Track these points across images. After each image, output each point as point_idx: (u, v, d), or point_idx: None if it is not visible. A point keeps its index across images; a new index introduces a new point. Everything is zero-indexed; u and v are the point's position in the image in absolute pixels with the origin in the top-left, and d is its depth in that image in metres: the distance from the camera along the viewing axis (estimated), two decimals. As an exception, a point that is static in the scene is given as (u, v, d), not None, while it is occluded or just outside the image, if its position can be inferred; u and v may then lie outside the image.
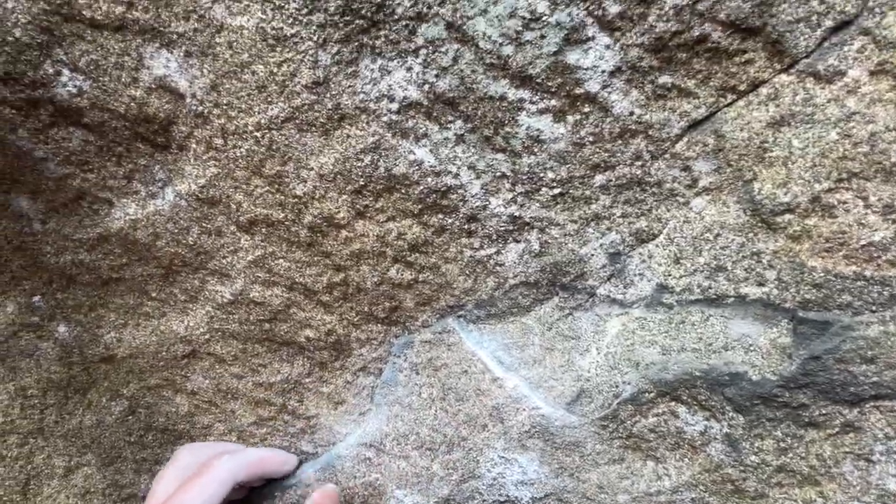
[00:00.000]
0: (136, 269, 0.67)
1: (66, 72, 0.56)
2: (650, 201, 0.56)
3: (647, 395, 0.59)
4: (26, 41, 0.55)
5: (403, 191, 0.58)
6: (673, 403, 0.59)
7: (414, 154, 0.57)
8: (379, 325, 0.67)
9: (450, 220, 0.60)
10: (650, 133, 0.53)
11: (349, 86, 0.55)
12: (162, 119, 0.58)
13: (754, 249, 0.53)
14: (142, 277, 0.68)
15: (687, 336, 0.57)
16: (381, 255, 0.62)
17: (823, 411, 0.55)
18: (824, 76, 0.48)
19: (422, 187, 0.58)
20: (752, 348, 0.55)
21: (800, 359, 0.54)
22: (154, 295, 0.69)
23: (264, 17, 0.52)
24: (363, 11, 0.51)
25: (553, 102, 0.53)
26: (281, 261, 0.64)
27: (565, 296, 0.61)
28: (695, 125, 0.52)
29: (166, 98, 0.57)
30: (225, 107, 0.56)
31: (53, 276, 0.69)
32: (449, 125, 0.55)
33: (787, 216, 0.51)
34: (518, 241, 0.60)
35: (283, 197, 0.60)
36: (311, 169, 0.58)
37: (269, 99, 0.55)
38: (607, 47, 0.50)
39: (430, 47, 0.52)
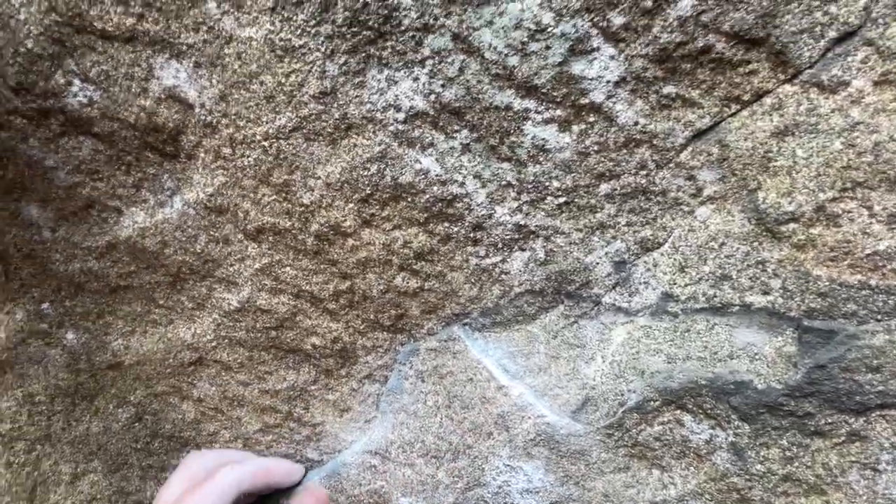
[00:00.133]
0: (143, 276, 0.68)
1: (77, 82, 0.57)
2: (655, 210, 0.56)
3: (652, 403, 0.59)
4: (38, 52, 0.56)
5: (409, 199, 0.59)
6: (678, 412, 0.59)
7: (420, 163, 0.57)
8: (385, 332, 0.67)
9: (455, 229, 0.60)
10: (655, 143, 0.53)
11: (356, 96, 0.55)
12: (171, 129, 0.58)
13: (759, 258, 0.53)
14: (149, 285, 0.69)
15: (692, 344, 0.57)
16: (387, 263, 0.63)
17: (829, 420, 0.55)
18: (828, 86, 0.48)
19: (428, 196, 0.58)
20: (757, 357, 0.55)
21: (805, 367, 0.54)
22: (161, 302, 0.70)
23: (273, 28, 0.53)
24: (370, 23, 0.52)
25: (558, 112, 0.54)
26: (288, 269, 0.64)
27: (570, 304, 0.61)
28: (699, 135, 0.52)
29: (175, 108, 0.57)
30: (233, 116, 0.57)
31: (62, 284, 0.70)
32: (455, 134, 0.56)
33: (792, 225, 0.51)
34: (523, 250, 0.60)
35: (290, 205, 0.61)
36: (318, 178, 0.59)
37: (277, 109, 0.56)
38: (612, 58, 0.50)
39: (437, 58, 0.53)
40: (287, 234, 0.62)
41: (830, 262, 0.51)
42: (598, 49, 0.50)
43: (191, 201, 0.62)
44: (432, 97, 0.54)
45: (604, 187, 0.56)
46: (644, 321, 0.59)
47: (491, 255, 0.61)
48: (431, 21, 0.51)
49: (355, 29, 0.52)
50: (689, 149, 0.53)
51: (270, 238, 0.63)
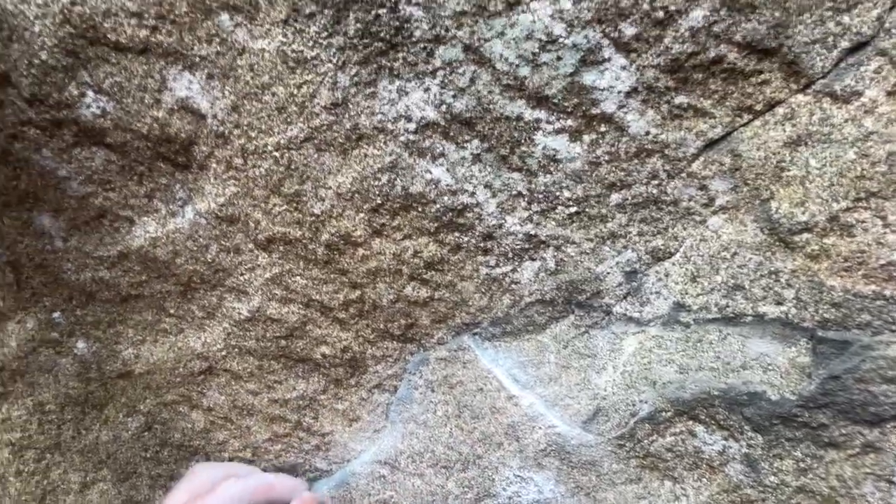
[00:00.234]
0: (154, 286, 0.68)
1: (90, 93, 0.58)
2: (666, 220, 0.56)
3: (664, 414, 0.59)
4: (52, 64, 0.57)
5: (420, 209, 0.59)
6: (691, 423, 0.59)
7: (431, 173, 0.57)
8: (394, 342, 0.67)
9: (466, 239, 0.60)
10: (666, 152, 0.53)
11: (367, 106, 0.55)
12: (183, 139, 0.59)
13: (772, 268, 0.53)
14: (160, 294, 0.69)
15: (704, 355, 0.57)
16: (397, 272, 0.63)
17: (843, 431, 0.54)
18: (841, 96, 0.48)
19: (438, 206, 0.59)
20: (770, 367, 0.55)
21: (819, 378, 0.53)
22: (172, 311, 0.70)
23: (285, 40, 0.53)
24: (382, 34, 0.52)
25: (569, 122, 0.54)
26: (298, 278, 0.65)
27: (581, 314, 0.61)
28: (711, 145, 0.52)
29: (188, 119, 0.58)
30: (245, 127, 0.57)
31: (73, 293, 0.70)
32: (465, 145, 0.56)
33: (805, 235, 0.51)
34: (534, 260, 0.60)
35: (300, 215, 0.61)
36: (329, 188, 0.59)
37: (289, 119, 0.56)
38: (623, 68, 0.50)
39: (448, 69, 0.53)
40: (297, 244, 0.63)
41: (844, 272, 0.51)
42: (609, 59, 0.50)
43: (202, 211, 0.62)
44: (443, 108, 0.55)
45: (615, 197, 0.56)
46: (656, 331, 0.58)
47: (501, 264, 0.61)
48: (443, 32, 0.52)
49: (367, 40, 0.53)
50: (701, 158, 0.53)
51: (281, 248, 0.63)
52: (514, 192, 0.57)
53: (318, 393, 0.72)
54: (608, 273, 0.58)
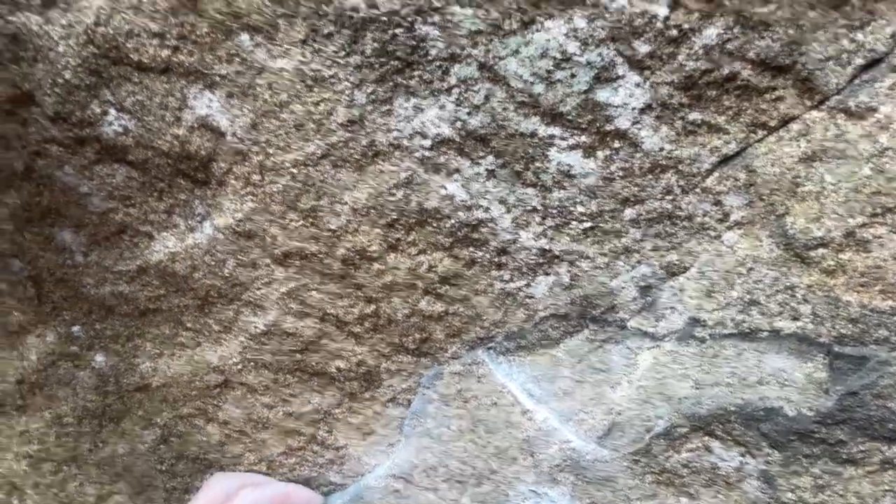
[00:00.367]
0: (172, 300, 0.69)
1: (112, 111, 0.59)
2: (681, 235, 0.56)
3: (680, 429, 0.59)
4: (75, 83, 0.58)
5: (435, 224, 0.60)
6: (707, 438, 0.58)
7: (445, 189, 0.58)
8: (409, 356, 0.67)
9: (480, 253, 0.60)
10: (680, 168, 0.54)
11: (383, 123, 0.56)
12: (203, 156, 0.60)
13: (788, 283, 0.53)
14: (178, 308, 0.70)
15: (720, 370, 0.57)
16: (412, 287, 0.63)
17: (862, 448, 0.54)
18: (855, 112, 0.48)
19: (453, 221, 0.59)
20: (787, 383, 0.55)
21: (837, 394, 0.53)
22: (189, 325, 0.71)
23: (304, 59, 0.54)
24: (398, 53, 0.53)
25: (583, 139, 0.54)
26: (314, 292, 0.65)
27: (595, 328, 0.61)
28: (725, 160, 0.52)
29: (207, 136, 0.59)
30: (263, 144, 0.58)
31: (93, 307, 0.71)
32: (480, 161, 0.57)
33: (821, 250, 0.51)
34: (548, 274, 0.60)
35: (317, 230, 0.62)
36: (345, 203, 0.60)
37: (306, 136, 0.57)
38: (637, 85, 0.51)
39: (463, 86, 0.54)
40: (314, 259, 0.63)
41: (861, 287, 0.51)
42: (623, 77, 0.51)
43: (220, 226, 0.63)
44: (458, 124, 0.55)
45: (629, 212, 0.56)
46: (671, 346, 0.58)
47: (515, 279, 0.61)
48: (458, 51, 0.52)
49: (383, 59, 0.53)
50: (716, 174, 0.53)
51: (297, 262, 0.64)
52: (529, 208, 0.58)
53: (333, 407, 0.72)
54: (623, 288, 0.59)
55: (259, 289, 0.67)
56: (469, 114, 0.55)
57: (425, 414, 0.69)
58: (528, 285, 0.61)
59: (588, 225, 0.57)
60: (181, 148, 0.59)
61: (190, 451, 0.78)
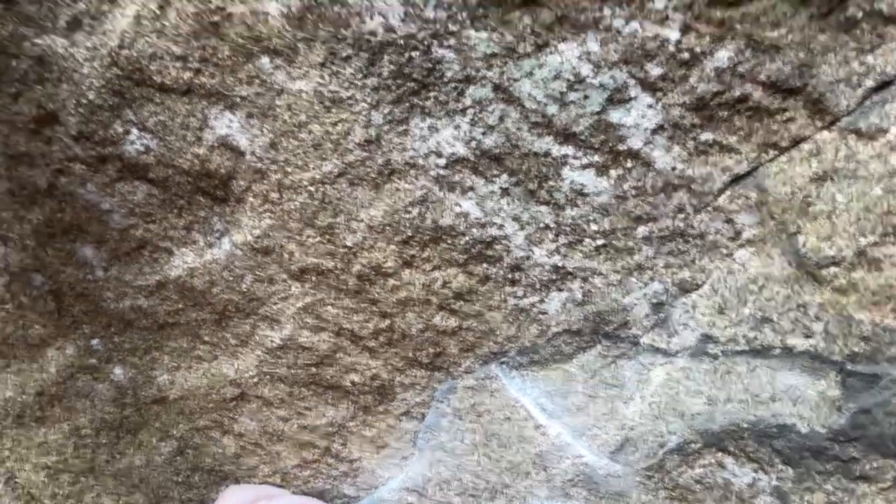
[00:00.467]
0: (190, 314, 0.70)
1: (134, 131, 0.60)
2: (693, 252, 0.57)
3: (693, 445, 0.59)
4: (99, 103, 0.60)
5: (449, 241, 0.60)
6: (720, 454, 0.59)
7: (460, 206, 0.59)
8: (423, 370, 0.68)
9: (494, 270, 0.61)
10: (692, 187, 0.54)
11: (399, 143, 0.57)
12: (222, 174, 0.61)
13: (800, 301, 0.54)
14: (196, 322, 0.71)
15: (733, 386, 0.57)
16: (426, 302, 0.64)
17: (875, 465, 0.54)
18: (866, 133, 0.49)
19: (467, 238, 0.60)
20: (800, 400, 0.55)
21: (849, 412, 0.53)
22: (206, 339, 0.72)
23: (322, 81, 0.55)
24: (415, 75, 0.54)
25: (596, 158, 0.55)
26: (329, 307, 0.66)
27: (608, 344, 0.62)
28: (737, 179, 0.53)
29: (227, 155, 0.60)
30: (282, 163, 0.59)
31: (112, 321, 0.73)
32: (494, 179, 0.58)
33: (833, 269, 0.52)
34: (561, 290, 0.61)
35: (333, 247, 0.63)
36: (361, 220, 0.61)
37: (324, 156, 0.58)
38: (649, 106, 0.52)
39: (478, 107, 0.55)
40: (330, 275, 0.64)
41: (873, 306, 0.51)
42: (635, 98, 0.52)
43: (238, 242, 0.65)
44: (473, 144, 0.56)
45: (641, 230, 0.57)
46: (683, 362, 0.59)
47: (529, 295, 0.62)
48: (473, 73, 0.54)
49: (400, 81, 0.55)
50: (728, 193, 0.54)
51: (314, 278, 0.65)
52: (542, 225, 0.59)
53: (347, 420, 0.73)
54: (635, 304, 0.59)
55: (275, 303, 0.68)
56: (484, 133, 0.56)
57: (439, 427, 0.70)
58: (541, 301, 0.62)
59: (601, 242, 0.58)
60: (201, 166, 0.61)
61: (205, 462, 0.79)
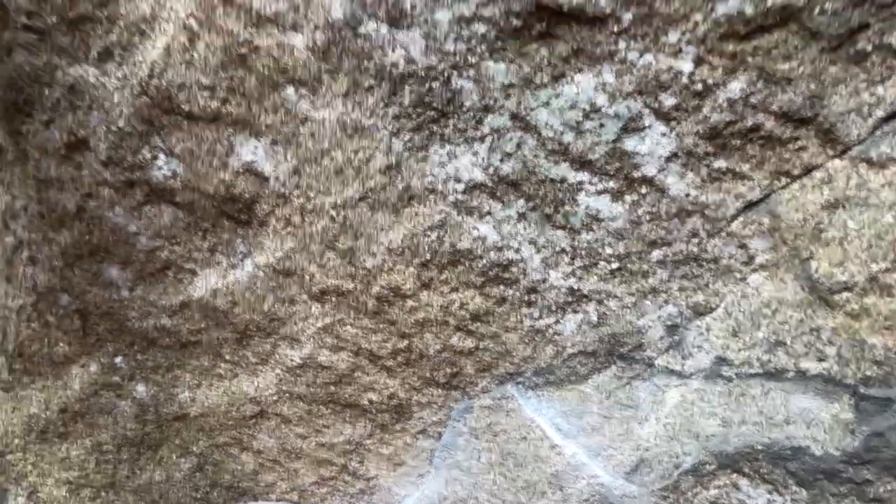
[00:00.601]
0: (212, 333, 0.72)
1: (162, 156, 0.62)
2: (707, 276, 0.58)
3: (707, 466, 0.60)
4: (128, 130, 0.62)
5: (467, 264, 0.62)
6: (734, 476, 0.59)
7: (478, 230, 0.60)
8: (439, 389, 0.69)
9: (510, 292, 0.63)
10: (706, 213, 0.56)
11: (419, 169, 0.59)
12: (247, 199, 0.63)
13: (813, 325, 0.55)
14: (217, 341, 0.73)
15: (747, 409, 0.58)
16: (444, 323, 0.65)
17: (889, 487, 0.55)
18: (877, 162, 0.50)
19: (484, 261, 0.61)
20: (814, 423, 0.56)
21: (863, 434, 0.54)
22: (228, 357, 0.73)
23: (345, 110, 0.57)
24: (435, 104, 0.56)
25: (611, 184, 0.56)
26: (349, 328, 0.68)
27: (623, 365, 0.63)
28: (750, 206, 0.54)
29: (252, 180, 0.62)
30: (305, 188, 0.61)
31: (136, 339, 0.74)
32: (511, 204, 0.59)
33: (845, 294, 0.53)
34: (576, 312, 0.62)
35: (353, 269, 0.64)
36: (381, 244, 0.62)
37: (346, 181, 0.60)
38: (663, 135, 0.53)
39: (496, 135, 0.56)
40: (350, 296, 0.66)
41: (885, 330, 0.52)
42: (650, 127, 0.53)
43: (261, 264, 0.66)
44: (490, 170, 0.58)
45: (656, 254, 0.58)
46: (698, 384, 0.60)
47: (544, 316, 0.63)
48: (491, 102, 0.55)
49: (420, 109, 0.56)
50: (741, 219, 0.55)
51: (334, 299, 0.67)
52: (558, 249, 0.60)
53: (365, 437, 0.74)
54: (650, 327, 0.60)
55: (296, 323, 0.69)
56: (501, 160, 0.57)
57: (455, 446, 0.71)
58: (556, 323, 0.63)
59: (616, 266, 0.59)
60: (226, 191, 0.63)
61: (224, 479, 0.80)
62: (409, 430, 0.72)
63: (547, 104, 0.54)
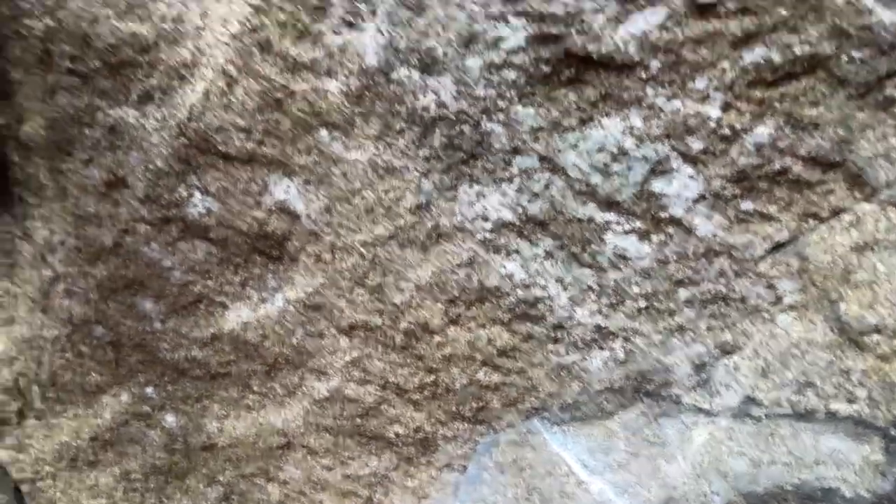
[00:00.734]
0: (242, 365, 0.73)
1: (197, 194, 0.64)
2: (735, 316, 0.58)
3: (737, 506, 0.60)
4: (165, 169, 0.64)
5: (494, 301, 0.63)
6: (764, 517, 0.59)
7: (505, 268, 0.61)
8: (465, 423, 0.70)
9: (537, 328, 0.63)
10: (734, 253, 0.56)
11: (448, 208, 0.60)
12: (279, 236, 0.64)
13: (843, 367, 0.55)
14: (246, 373, 0.74)
15: (777, 449, 0.58)
16: (470, 358, 0.66)
17: (923, 530, 0.54)
18: (906, 206, 0.50)
19: (512, 298, 0.62)
20: (844, 464, 0.56)
21: (893, 477, 0.54)
22: (256, 389, 0.75)
23: (376, 151, 0.58)
24: (464, 146, 0.57)
25: (638, 224, 0.57)
26: (376, 362, 0.69)
27: (650, 402, 0.63)
28: (778, 247, 0.55)
29: (284, 218, 0.63)
30: (335, 226, 0.62)
31: (166, 370, 0.76)
32: (539, 243, 0.60)
33: (876, 336, 0.53)
34: (603, 349, 0.63)
35: (382, 305, 0.65)
36: (410, 280, 0.63)
37: (375, 220, 0.61)
38: (691, 177, 0.54)
39: (524, 176, 0.57)
40: (377, 331, 0.67)
41: (917, 373, 0.52)
42: (677, 170, 0.54)
43: (291, 299, 0.67)
44: (519, 209, 0.59)
45: (683, 293, 0.59)
46: (726, 423, 0.60)
47: (571, 353, 0.64)
48: (520, 144, 0.56)
49: (450, 151, 0.58)
50: (769, 260, 0.55)
51: (362, 333, 0.68)
52: (584, 287, 0.61)
53: (390, 470, 0.75)
54: (677, 364, 0.61)
55: (324, 357, 0.70)
56: (529, 200, 0.58)
57: (481, 480, 0.71)
58: (583, 359, 0.63)
59: (643, 304, 0.60)
60: (259, 228, 0.64)
61: (250, 509, 0.81)
62: (435, 463, 0.73)
63: (575, 146, 0.55)
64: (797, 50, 0.48)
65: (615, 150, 0.54)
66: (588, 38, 0.50)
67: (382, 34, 0.54)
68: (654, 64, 0.51)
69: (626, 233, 0.57)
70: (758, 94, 0.50)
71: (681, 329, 0.60)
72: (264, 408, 0.75)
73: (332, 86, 0.57)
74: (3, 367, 0.79)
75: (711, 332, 0.59)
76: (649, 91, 0.52)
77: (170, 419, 0.79)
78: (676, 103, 0.52)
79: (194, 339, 0.73)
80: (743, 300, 0.57)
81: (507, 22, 0.51)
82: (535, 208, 0.58)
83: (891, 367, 0.53)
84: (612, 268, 0.59)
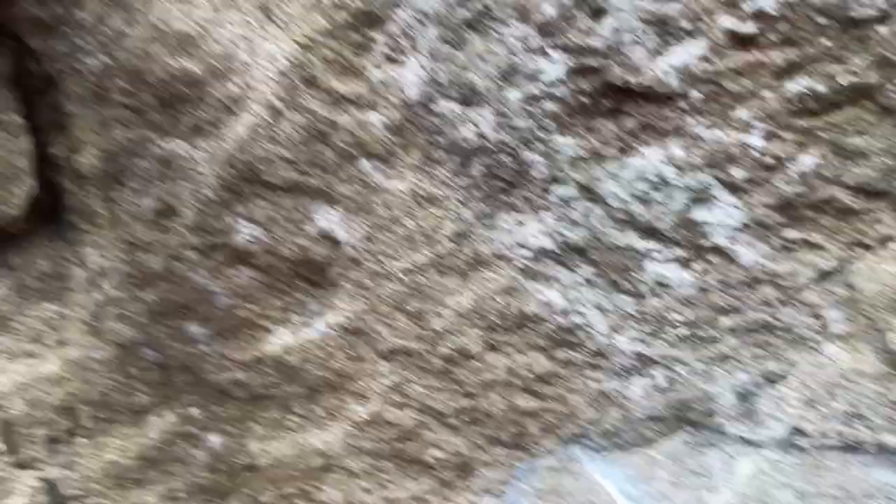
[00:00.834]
0: (284, 387, 0.75)
1: (243, 222, 0.66)
2: (780, 345, 0.57)
3: (784, 540, 0.58)
4: (214, 198, 0.66)
5: (533, 327, 0.63)
6: (813, 551, 0.58)
7: (544, 295, 0.62)
8: (504, 448, 0.70)
9: (576, 355, 0.63)
10: (778, 282, 0.55)
11: (487, 236, 0.61)
12: (320, 262, 0.66)
13: (893, 398, 0.53)
14: (288, 395, 0.75)
15: (824, 480, 0.57)
16: (509, 384, 0.66)
17: (983, 569, 0.52)
18: (958, 236, 0.49)
19: (551, 325, 0.62)
20: (894, 498, 0.54)
21: (952, 512, 0.52)
22: (297, 411, 0.76)
23: (416, 181, 0.60)
24: (504, 176, 0.58)
25: (679, 252, 0.57)
26: (415, 386, 0.69)
27: (693, 431, 0.62)
28: (824, 276, 0.54)
29: (326, 245, 0.65)
30: (376, 253, 0.64)
31: (211, 391, 0.78)
32: (578, 270, 0.60)
33: (928, 368, 0.51)
34: (644, 377, 0.62)
35: (421, 330, 0.66)
36: (449, 307, 0.64)
37: (415, 247, 0.63)
38: (734, 206, 0.54)
39: (564, 204, 0.58)
40: (417, 356, 0.68)
41: (973, 406, 0.51)
42: (719, 198, 0.54)
43: (332, 323, 0.69)
44: (558, 237, 0.59)
45: (726, 321, 0.58)
46: (771, 454, 0.59)
47: (611, 380, 0.63)
48: (559, 174, 0.57)
49: (490, 181, 0.58)
50: (814, 288, 0.55)
51: (401, 358, 0.68)
52: (625, 314, 0.61)
53: (427, 493, 0.75)
54: (721, 393, 0.60)
55: (364, 380, 0.71)
56: (568, 228, 0.59)
57: (519, 506, 0.71)
58: (623, 387, 0.63)
59: (685, 332, 0.59)
60: (302, 255, 0.66)
61: (290, 529, 0.82)
62: (473, 487, 0.73)
63: (615, 176, 0.56)
64: (841, 80, 0.47)
65: (655, 179, 0.55)
66: (628, 70, 0.51)
67: (424, 69, 0.55)
68: (695, 94, 0.51)
69: (667, 261, 0.57)
70: (802, 123, 0.50)
71: (724, 357, 0.59)
72: (305, 430, 0.77)
73: (375, 118, 0.58)
74: (54, 387, 0.82)
75: (756, 361, 0.58)
76: (690, 121, 0.52)
77: (213, 439, 0.81)
78: (718, 133, 0.52)
79: (238, 362, 0.75)
80: (788, 329, 0.57)
81: (546, 55, 0.52)
82: (575, 236, 0.59)
83: (945, 399, 0.51)
84: (653, 295, 0.59)
